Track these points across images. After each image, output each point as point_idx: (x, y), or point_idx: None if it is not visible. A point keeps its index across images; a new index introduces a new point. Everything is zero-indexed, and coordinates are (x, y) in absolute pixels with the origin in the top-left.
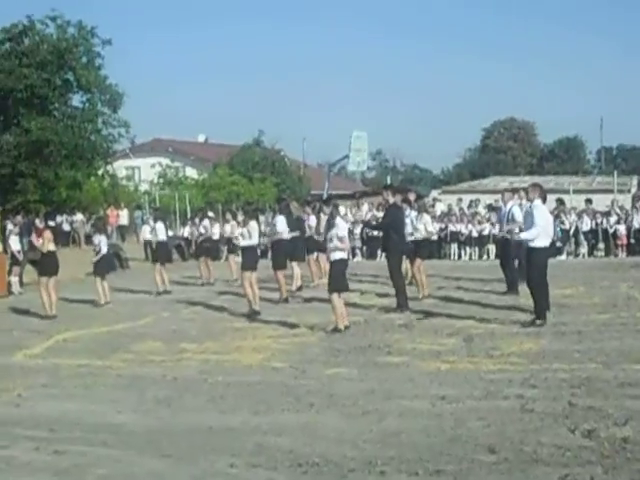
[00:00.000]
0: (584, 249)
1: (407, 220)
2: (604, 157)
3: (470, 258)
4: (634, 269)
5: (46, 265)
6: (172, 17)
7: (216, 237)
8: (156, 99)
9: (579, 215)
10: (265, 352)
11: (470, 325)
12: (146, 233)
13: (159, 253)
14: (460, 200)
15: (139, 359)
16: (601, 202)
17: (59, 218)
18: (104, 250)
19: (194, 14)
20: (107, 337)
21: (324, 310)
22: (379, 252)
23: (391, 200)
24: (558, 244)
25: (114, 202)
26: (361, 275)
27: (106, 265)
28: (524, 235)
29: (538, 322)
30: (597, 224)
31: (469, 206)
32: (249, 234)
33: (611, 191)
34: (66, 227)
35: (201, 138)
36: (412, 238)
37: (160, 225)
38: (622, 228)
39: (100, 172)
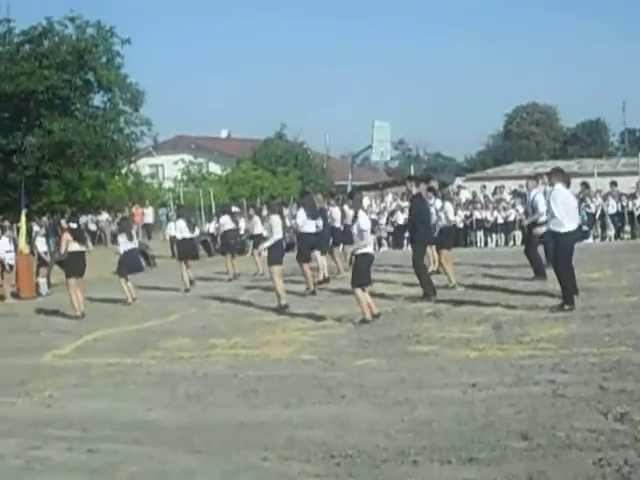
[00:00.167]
0: (611, 232)
1: (432, 209)
2: (628, 139)
3: (496, 245)
4: None
5: (73, 265)
6: (192, 12)
7: (241, 232)
8: (178, 96)
9: (604, 198)
10: (294, 345)
11: (499, 312)
12: (171, 230)
13: (179, 250)
14: (484, 187)
15: (168, 356)
16: (626, 184)
17: (84, 218)
18: (121, 250)
19: (214, 9)
20: (136, 335)
21: (351, 301)
22: (405, 242)
23: (415, 191)
24: (584, 228)
25: (139, 200)
26: (387, 265)
27: (126, 265)
28: (545, 227)
29: (566, 307)
30: (623, 206)
31: (494, 193)
32: (271, 229)
33: (636, 173)
34: (92, 227)
35: (224, 133)
36: (438, 227)
37: (181, 222)
38: None
39: (124, 171)
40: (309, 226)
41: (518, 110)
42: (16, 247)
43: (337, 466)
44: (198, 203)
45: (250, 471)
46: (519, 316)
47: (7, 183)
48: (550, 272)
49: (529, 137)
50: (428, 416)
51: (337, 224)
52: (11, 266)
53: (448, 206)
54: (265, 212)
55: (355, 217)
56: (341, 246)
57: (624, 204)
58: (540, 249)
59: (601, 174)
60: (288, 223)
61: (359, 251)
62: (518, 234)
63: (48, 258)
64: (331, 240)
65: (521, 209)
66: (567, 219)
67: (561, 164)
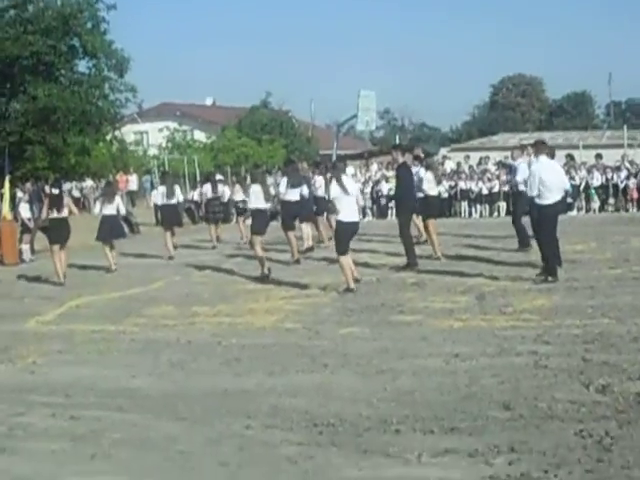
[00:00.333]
0: (596, 204)
1: (415, 178)
2: (613, 111)
3: (480, 215)
4: None
5: (56, 232)
6: None
7: (225, 200)
8: (163, 63)
9: (589, 170)
10: (278, 313)
11: (482, 282)
12: (155, 197)
13: (162, 217)
14: (468, 157)
15: (152, 323)
16: (611, 157)
17: (68, 184)
18: (99, 212)
19: None
20: (119, 302)
21: (336, 270)
22: (389, 211)
23: (400, 160)
24: (569, 200)
25: (123, 167)
26: (371, 234)
27: (105, 229)
28: (524, 187)
29: (550, 278)
30: (607, 179)
31: (479, 163)
32: (254, 197)
33: (621, 146)
34: (76, 193)
35: (209, 101)
36: (420, 195)
37: (162, 189)
38: (632, 183)
39: (108, 137)
40: (292, 194)
41: (504, 81)
42: None
43: (320, 434)
44: (182, 171)
45: (233, 439)
46: (502, 287)
47: None
48: (534, 243)
49: (515, 108)
50: (411, 385)
51: (320, 193)
52: None
53: (428, 175)
54: (249, 180)
55: (326, 186)
56: (325, 215)
57: (609, 177)
58: (525, 220)
59: (586, 146)
60: (273, 191)
61: (334, 219)
62: (502, 205)
63: (31, 224)
64: (315, 209)
65: (505, 179)
66: (550, 191)
67: (546, 136)
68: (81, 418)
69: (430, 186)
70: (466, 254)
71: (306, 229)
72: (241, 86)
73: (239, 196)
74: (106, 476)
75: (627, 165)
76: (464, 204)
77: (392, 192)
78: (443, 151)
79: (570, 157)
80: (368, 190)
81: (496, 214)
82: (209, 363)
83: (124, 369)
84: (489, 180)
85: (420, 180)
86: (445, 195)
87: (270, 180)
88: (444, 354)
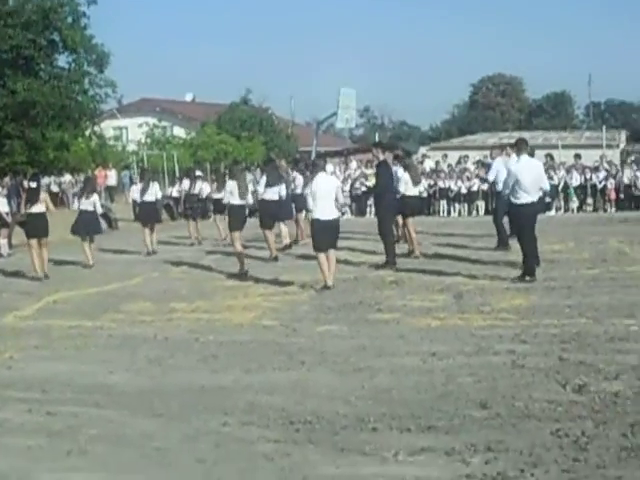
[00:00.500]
0: (574, 204)
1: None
2: (592, 112)
3: (459, 214)
4: (623, 224)
5: (33, 226)
6: None
7: (203, 196)
8: (143, 59)
9: (568, 170)
10: (256, 310)
11: (460, 281)
12: (134, 193)
13: (140, 214)
14: (445, 156)
15: (130, 319)
16: (590, 157)
17: (47, 179)
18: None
19: None
20: (97, 298)
21: (314, 268)
22: (368, 209)
23: (381, 157)
24: (547, 199)
25: (102, 162)
26: (350, 232)
27: (82, 225)
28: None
29: (528, 278)
30: (586, 179)
31: (458, 162)
32: (229, 194)
33: (600, 146)
34: (54, 188)
35: (188, 97)
36: (399, 195)
37: (140, 185)
38: (610, 183)
39: (87, 133)
40: (270, 193)
41: (484, 80)
42: None
43: (296, 432)
44: (162, 167)
45: (209, 435)
46: (480, 286)
47: None
48: (513, 243)
49: (494, 108)
50: (388, 384)
51: (299, 190)
52: None
53: (405, 176)
54: (227, 177)
55: (305, 184)
56: (304, 212)
57: (587, 177)
58: (506, 219)
59: (565, 147)
60: (251, 188)
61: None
62: (481, 204)
63: (9, 219)
64: (294, 206)
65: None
66: (528, 191)
67: (526, 135)
68: (57, 414)
69: (407, 187)
70: (444, 253)
71: (284, 227)
72: (221, 82)
73: (217, 193)
74: (82, 472)
75: (605, 165)
76: (443, 203)
77: (371, 190)
78: (422, 150)
79: (550, 157)
80: (347, 188)
81: (475, 213)
82: (186, 359)
83: (101, 365)
84: (468, 179)
85: (397, 180)
86: (424, 194)
87: (249, 177)
88: (421, 352)
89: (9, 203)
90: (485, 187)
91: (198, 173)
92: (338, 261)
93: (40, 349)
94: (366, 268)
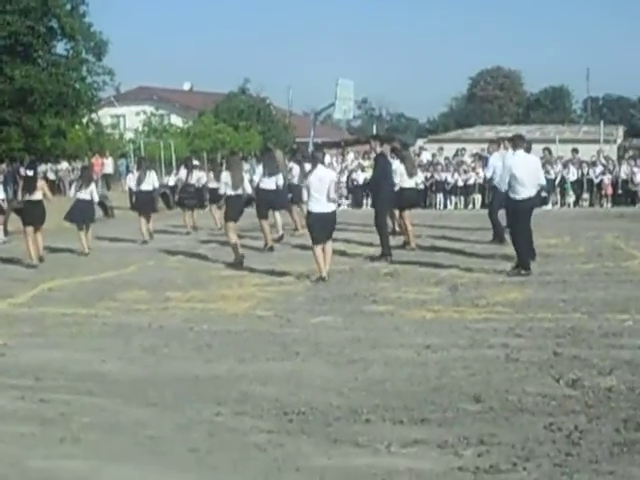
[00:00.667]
0: (571, 199)
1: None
2: (590, 107)
3: (456, 207)
4: (619, 219)
5: (30, 214)
6: None
7: (200, 186)
8: (141, 47)
9: (565, 165)
10: (251, 301)
11: (455, 274)
12: (131, 181)
13: (136, 203)
14: (441, 149)
15: (124, 307)
16: (587, 152)
17: (44, 167)
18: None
19: None
20: (92, 286)
21: (309, 258)
22: (364, 201)
23: (378, 150)
24: (543, 194)
25: (99, 150)
26: (346, 224)
27: (77, 213)
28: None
29: (523, 272)
30: (583, 174)
31: (455, 155)
32: (225, 184)
33: (597, 141)
34: (51, 176)
35: (186, 86)
36: (397, 187)
37: (137, 173)
38: (607, 178)
39: (85, 120)
40: (267, 183)
41: (482, 74)
42: None
43: (289, 423)
44: (158, 155)
45: (202, 425)
46: (476, 279)
47: None
48: (509, 237)
49: (492, 101)
50: (382, 375)
51: (295, 181)
52: None
53: (400, 168)
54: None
55: (303, 175)
56: (300, 204)
57: (584, 172)
58: (501, 213)
59: (562, 141)
60: (248, 177)
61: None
62: (478, 197)
63: (5, 205)
64: (290, 197)
65: (481, 172)
66: (525, 186)
67: (523, 129)
68: (50, 401)
69: (403, 179)
70: (440, 245)
71: (278, 218)
72: (219, 72)
73: (213, 183)
74: (75, 460)
75: (602, 160)
76: (439, 196)
77: (368, 181)
78: (420, 142)
79: (548, 151)
80: (344, 179)
81: (471, 206)
82: (180, 349)
83: (95, 353)
84: (465, 172)
85: (393, 172)
86: (421, 187)
87: (246, 166)
88: (416, 345)
89: (5, 190)
90: (481, 180)
91: (195, 162)
92: (334, 252)
93: (34, 336)
94: (362, 260)
